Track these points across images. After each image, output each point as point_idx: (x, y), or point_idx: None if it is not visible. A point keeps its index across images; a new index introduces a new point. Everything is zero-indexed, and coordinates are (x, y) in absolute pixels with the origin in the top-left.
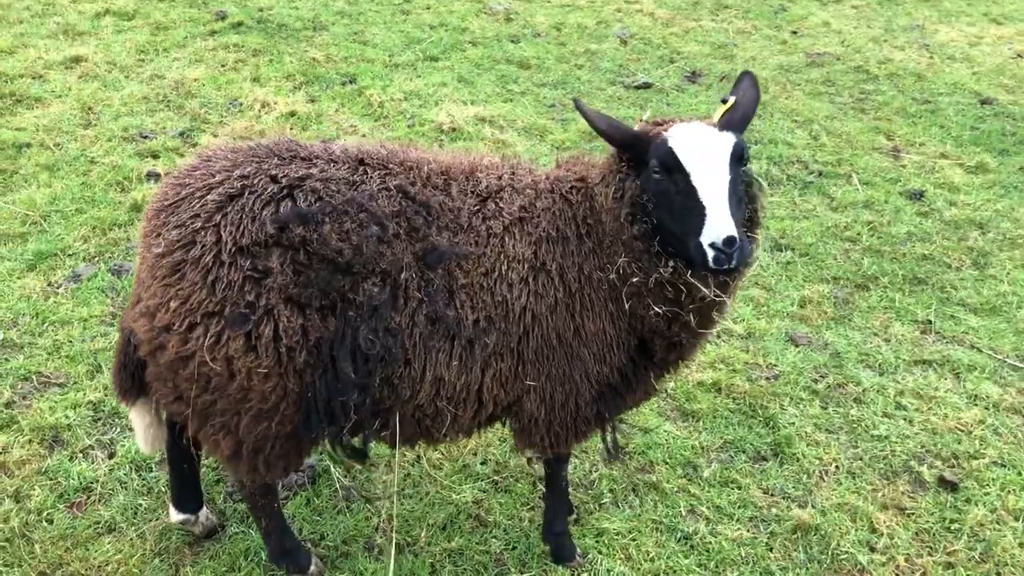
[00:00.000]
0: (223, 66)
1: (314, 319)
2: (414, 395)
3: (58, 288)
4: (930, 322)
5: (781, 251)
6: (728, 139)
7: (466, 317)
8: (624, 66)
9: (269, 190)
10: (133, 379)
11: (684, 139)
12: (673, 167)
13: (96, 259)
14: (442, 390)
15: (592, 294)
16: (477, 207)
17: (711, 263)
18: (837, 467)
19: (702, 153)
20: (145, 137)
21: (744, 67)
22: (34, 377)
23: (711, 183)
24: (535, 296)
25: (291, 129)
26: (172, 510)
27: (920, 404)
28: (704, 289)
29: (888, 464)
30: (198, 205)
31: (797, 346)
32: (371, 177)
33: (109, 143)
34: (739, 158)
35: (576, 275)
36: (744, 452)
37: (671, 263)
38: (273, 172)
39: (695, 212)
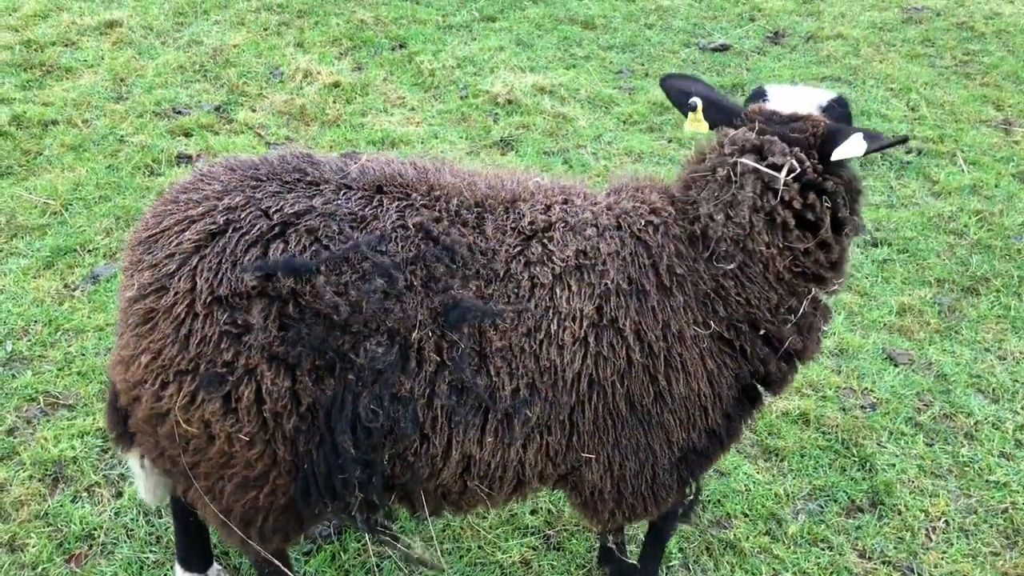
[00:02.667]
0: (265, 30)
1: (305, 382)
2: (435, 474)
3: (74, 290)
4: None
5: (877, 246)
6: None
7: (502, 386)
8: (699, 24)
9: (257, 227)
10: (126, 423)
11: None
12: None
13: (116, 256)
14: (472, 468)
15: (683, 353)
16: (518, 249)
17: None
18: (947, 523)
19: None
20: (178, 112)
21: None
22: (41, 398)
23: None
24: (598, 359)
25: (334, 102)
26: (178, 569)
27: None
28: None
29: (1009, 520)
30: (174, 243)
31: (896, 366)
32: (387, 211)
33: (140, 119)
34: None
35: (660, 334)
36: (836, 501)
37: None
38: (267, 204)
39: None
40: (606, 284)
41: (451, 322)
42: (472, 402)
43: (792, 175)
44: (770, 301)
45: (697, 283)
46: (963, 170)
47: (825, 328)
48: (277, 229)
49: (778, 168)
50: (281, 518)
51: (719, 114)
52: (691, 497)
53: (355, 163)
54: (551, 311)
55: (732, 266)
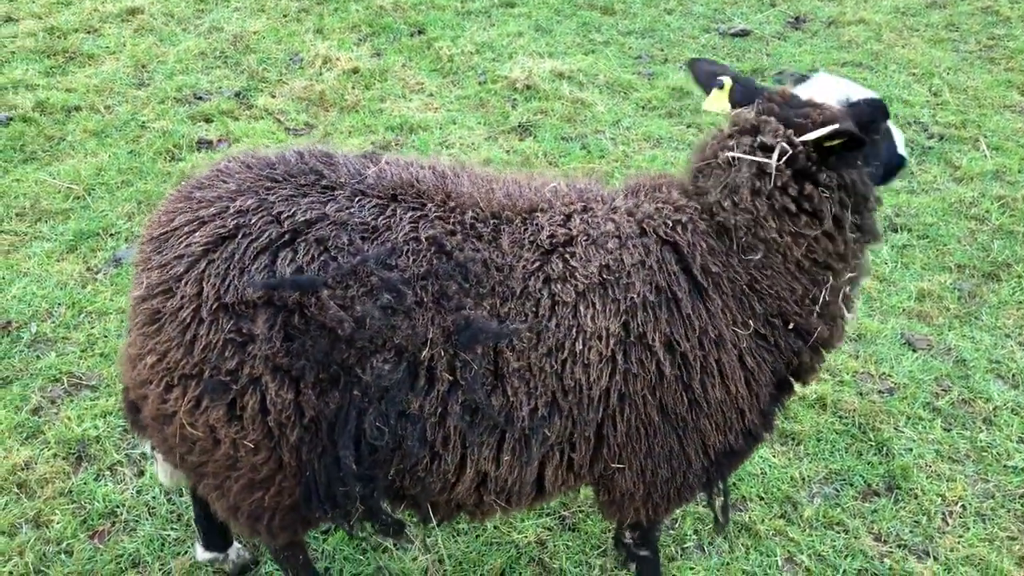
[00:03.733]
0: (285, 16)
1: (309, 395)
2: (448, 488)
3: (97, 273)
4: None
5: (896, 232)
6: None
7: (519, 406)
8: (720, 10)
9: (267, 234)
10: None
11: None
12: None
13: (138, 239)
14: (488, 484)
15: (722, 357)
16: (537, 264)
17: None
18: (964, 507)
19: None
20: (199, 98)
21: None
22: (65, 379)
23: None
24: (627, 376)
25: (353, 88)
26: (199, 548)
27: None
28: None
29: None
30: (183, 244)
31: (915, 351)
32: (400, 221)
33: (161, 105)
34: None
35: (696, 341)
36: (852, 485)
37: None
38: (279, 209)
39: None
40: (632, 298)
41: (463, 342)
42: (486, 422)
43: (783, 159)
44: (795, 292)
45: (734, 279)
46: (986, 155)
47: (850, 317)
48: (287, 237)
49: (769, 148)
50: (288, 517)
51: (744, 97)
52: (721, 499)
53: (375, 165)
54: (575, 330)
55: (758, 256)
